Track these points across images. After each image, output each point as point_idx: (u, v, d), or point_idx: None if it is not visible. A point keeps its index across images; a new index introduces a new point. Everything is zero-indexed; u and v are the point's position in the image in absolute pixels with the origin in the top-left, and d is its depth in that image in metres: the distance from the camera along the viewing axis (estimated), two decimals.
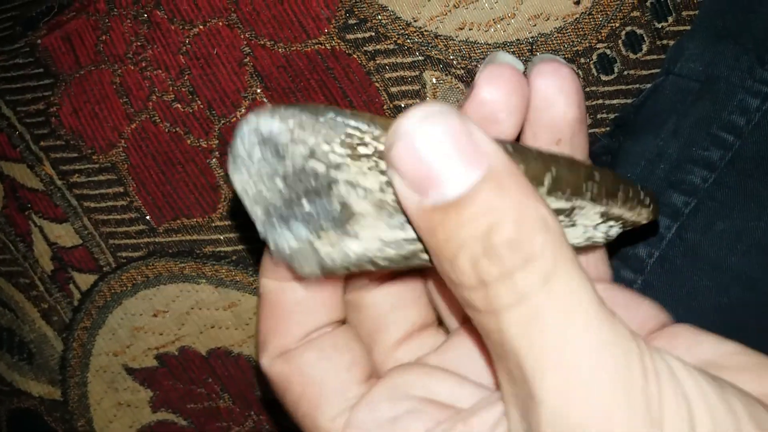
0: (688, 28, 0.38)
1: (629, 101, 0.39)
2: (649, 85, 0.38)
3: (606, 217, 0.24)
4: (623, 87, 0.39)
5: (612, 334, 0.18)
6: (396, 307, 0.26)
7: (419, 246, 0.21)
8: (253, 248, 0.43)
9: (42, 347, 0.46)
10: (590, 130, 0.40)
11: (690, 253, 0.34)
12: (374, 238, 0.21)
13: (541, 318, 0.18)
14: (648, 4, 0.38)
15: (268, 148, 0.20)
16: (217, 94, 0.42)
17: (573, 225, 0.24)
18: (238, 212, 0.43)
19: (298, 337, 0.24)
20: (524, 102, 0.24)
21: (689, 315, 0.33)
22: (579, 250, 0.25)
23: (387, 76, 0.40)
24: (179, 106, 0.42)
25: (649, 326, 0.24)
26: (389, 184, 0.20)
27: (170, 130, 0.42)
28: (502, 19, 0.39)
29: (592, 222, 0.24)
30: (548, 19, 0.39)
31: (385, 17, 0.40)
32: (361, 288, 0.26)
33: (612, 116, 0.40)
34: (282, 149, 0.20)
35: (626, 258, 0.35)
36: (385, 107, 0.41)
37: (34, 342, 0.46)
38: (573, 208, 0.23)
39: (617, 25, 0.39)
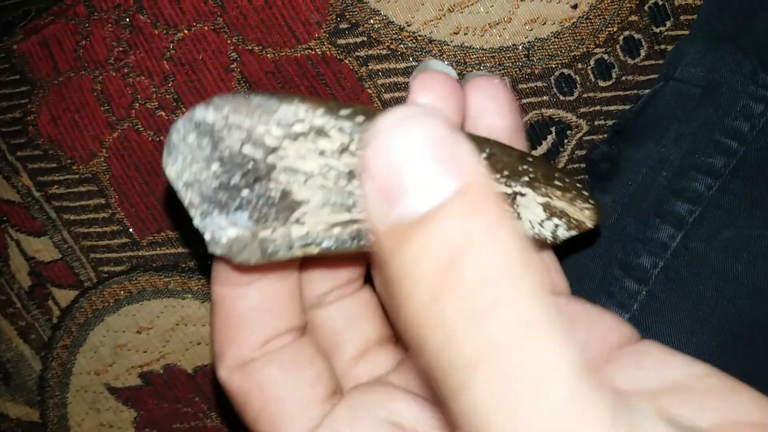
0: (687, 32, 0.37)
1: (627, 107, 0.39)
2: (647, 91, 0.38)
3: (549, 211, 0.24)
4: (621, 93, 0.39)
5: (595, 413, 0.14)
6: (350, 322, 0.25)
7: (363, 229, 0.21)
8: None
9: (19, 367, 0.44)
10: (588, 137, 0.39)
11: (695, 262, 0.33)
12: (317, 222, 0.20)
13: (513, 383, 0.14)
14: (646, 8, 0.38)
15: (203, 135, 0.19)
16: (203, 101, 0.40)
17: (518, 218, 0.24)
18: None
19: (256, 345, 0.22)
20: (460, 106, 0.23)
21: (694, 326, 0.33)
22: None
23: (380, 82, 0.39)
24: (163, 113, 0.40)
25: (611, 341, 0.23)
26: (329, 167, 0.20)
27: (154, 138, 0.41)
28: (497, 24, 0.38)
29: (537, 217, 0.24)
30: (545, 23, 0.38)
31: (378, 21, 0.38)
32: (313, 307, 0.25)
33: (610, 123, 0.39)
34: (217, 135, 0.19)
35: (630, 268, 0.34)
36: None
37: (11, 361, 0.44)
38: (514, 195, 0.23)
39: (615, 29, 0.38)
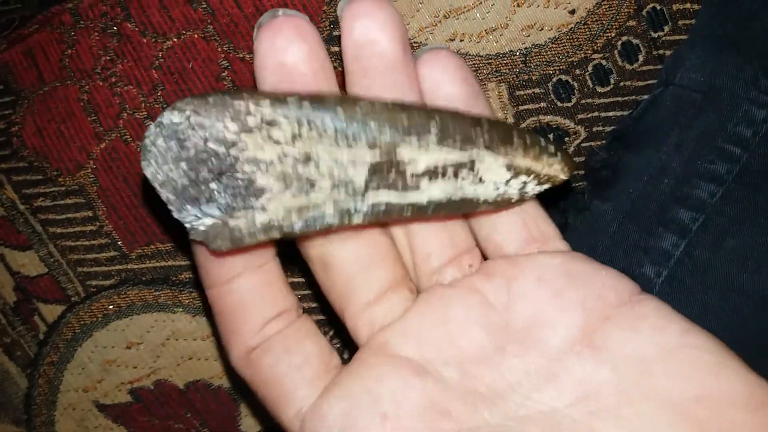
0: (685, 37, 0.37)
1: (626, 113, 0.38)
2: (645, 97, 0.37)
3: (514, 170, 0.25)
4: (620, 99, 0.38)
5: None
6: (364, 267, 0.26)
7: (325, 210, 0.23)
8: None
9: (4, 385, 0.43)
10: (586, 144, 0.39)
11: (699, 271, 0.32)
12: (279, 208, 0.22)
13: None
14: (644, 13, 0.37)
15: (170, 138, 0.22)
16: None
17: (481, 181, 0.24)
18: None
19: (253, 332, 0.25)
20: (400, 27, 0.24)
21: None
22: (491, 204, 0.26)
23: None
24: (152, 123, 0.39)
25: (609, 299, 0.23)
26: (285, 154, 0.22)
27: None
28: (494, 30, 0.37)
29: (501, 178, 0.25)
30: (542, 29, 0.37)
31: None
32: (325, 244, 0.26)
33: (608, 129, 0.39)
34: (183, 136, 0.21)
35: (633, 278, 0.33)
36: None
37: None
38: (472, 161, 0.24)
39: (613, 34, 0.37)
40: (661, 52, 0.38)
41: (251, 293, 0.24)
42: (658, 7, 0.37)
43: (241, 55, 0.39)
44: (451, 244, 0.26)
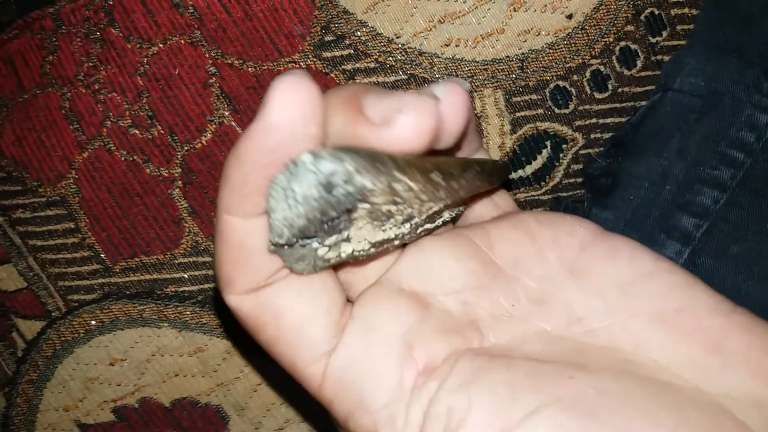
0: (683, 42, 0.36)
1: (624, 120, 0.37)
2: (644, 103, 0.36)
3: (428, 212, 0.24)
4: (618, 105, 0.37)
5: None
6: None
7: (396, 242, 0.23)
8: None
9: None
10: (585, 151, 0.38)
11: (704, 279, 0.31)
12: (362, 239, 0.22)
13: None
14: (642, 18, 0.37)
15: (316, 184, 0.20)
16: (180, 118, 0.38)
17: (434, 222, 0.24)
18: (203, 248, 0.39)
19: (268, 275, 0.22)
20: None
21: None
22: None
23: None
24: (137, 132, 0.38)
25: (579, 235, 0.25)
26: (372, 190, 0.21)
27: (127, 158, 0.38)
28: (490, 35, 0.36)
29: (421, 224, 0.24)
30: (539, 34, 0.36)
31: (365, 34, 0.37)
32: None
33: (606, 136, 0.38)
34: (331, 188, 0.20)
35: None
36: None
37: None
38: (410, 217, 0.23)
39: (611, 40, 0.37)
40: (659, 57, 0.37)
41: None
42: (657, 12, 0.37)
43: (229, 61, 0.37)
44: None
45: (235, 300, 0.22)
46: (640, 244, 0.25)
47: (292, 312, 0.22)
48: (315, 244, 0.22)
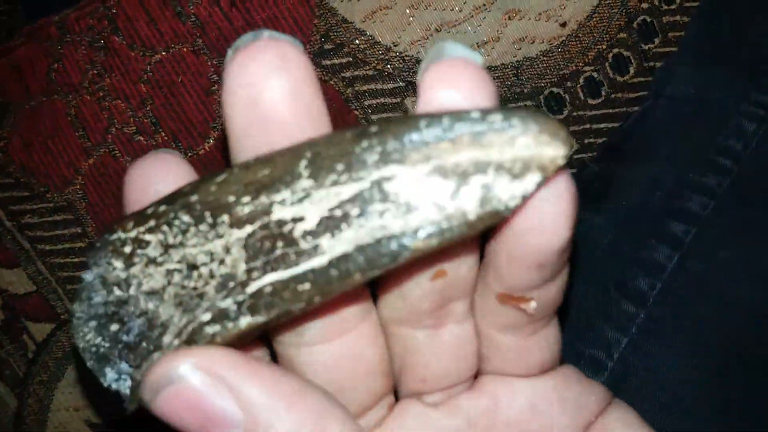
0: (675, 49, 0.37)
1: (617, 125, 0.38)
2: (636, 109, 0.37)
3: (454, 174, 0.17)
4: (611, 110, 0.38)
5: None
6: (349, 379, 0.23)
7: (202, 318, 0.19)
8: None
9: None
10: (578, 156, 0.39)
11: (693, 283, 0.32)
12: (174, 339, 0.19)
13: None
14: (635, 25, 0.37)
15: (82, 298, 0.19)
16: (183, 125, 0.39)
17: (410, 208, 0.17)
18: None
19: None
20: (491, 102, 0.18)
21: (694, 348, 0.32)
22: (454, 232, 0.17)
23: (366, 103, 0.38)
24: (141, 138, 0.39)
25: (596, 410, 0.23)
26: (168, 271, 0.18)
27: (132, 164, 0.39)
28: (486, 43, 0.37)
29: (441, 191, 0.17)
30: (533, 42, 0.37)
31: (363, 42, 0.38)
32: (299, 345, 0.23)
33: (600, 141, 0.39)
34: (89, 293, 0.19)
35: (627, 291, 0.33)
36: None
37: None
38: (377, 183, 0.17)
39: (604, 47, 0.38)
40: (651, 63, 0.38)
41: None
42: (649, 20, 0.37)
43: None
44: (456, 369, 0.22)
45: None
46: (636, 421, 0.23)
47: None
48: (125, 367, 0.19)
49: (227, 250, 0.18)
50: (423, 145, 0.17)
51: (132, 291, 0.19)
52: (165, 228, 0.18)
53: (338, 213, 0.17)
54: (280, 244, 0.18)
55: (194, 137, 0.39)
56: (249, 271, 0.18)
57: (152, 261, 0.19)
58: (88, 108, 0.39)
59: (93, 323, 0.19)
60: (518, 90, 0.38)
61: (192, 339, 0.18)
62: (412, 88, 0.38)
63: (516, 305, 0.20)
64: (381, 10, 0.37)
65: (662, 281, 0.33)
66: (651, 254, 0.33)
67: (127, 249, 0.19)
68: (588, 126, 0.39)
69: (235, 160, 0.19)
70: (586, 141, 0.39)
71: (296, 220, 0.17)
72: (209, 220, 0.18)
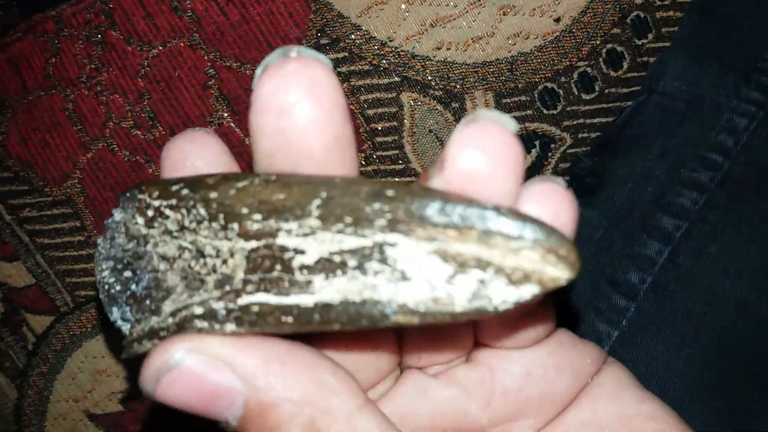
0: (669, 44, 0.38)
1: (611, 120, 0.39)
2: (630, 103, 0.38)
3: (454, 261, 0.17)
4: (604, 105, 0.39)
5: None
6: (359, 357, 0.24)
7: (194, 311, 0.19)
8: None
9: None
10: (572, 150, 0.39)
11: (683, 277, 0.33)
12: (172, 310, 0.19)
13: None
14: (628, 20, 0.38)
15: (106, 236, 0.20)
16: (180, 119, 0.39)
17: (404, 277, 0.17)
18: None
19: None
20: (518, 182, 0.17)
21: (684, 341, 0.33)
22: (434, 316, 0.18)
23: (362, 97, 0.38)
24: (139, 132, 0.39)
25: (591, 371, 0.24)
26: (182, 247, 0.19)
27: (130, 158, 0.40)
28: (480, 39, 0.38)
29: (437, 273, 0.17)
30: (528, 37, 0.38)
31: (359, 37, 0.38)
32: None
33: (593, 135, 0.39)
34: (112, 234, 0.20)
35: (618, 285, 0.34)
36: (361, 130, 0.39)
37: None
38: (380, 246, 0.17)
39: (598, 42, 0.38)
40: (645, 59, 0.38)
41: None
42: (642, 15, 0.38)
43: (227, 64, 0.38)
44: (444, 348, 0.23)
45: None
46: (629, 379, 0.23)
47: None
48: (128, 312, 0.20)
49: (232, 253, 0.18)
50: (431, 226, 0.17)
51: (148, 248, 0.20)
52: (183, 211, 0.19)
53: (337, 259, 0.18)
54: (278, 267, 0.18)
55: None
56: (245, 282, 0.18)
57: (169, 232, 0.19)
58: (85, 102, 0.39)
59: (110, 263, 0.20)
60: (512, 85, 0.38)
61: (183, 326, 0.19)
62: (407, 83, 0.38)
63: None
64: (376, 5, 0.37)
65: (653, 275, 0.33)
66: (642, 248, 0.34)
67: (150, 213, 0.20)
68: (581, 121, 0.39)
69: (256, 165, 0.19)
70: (579, 136, 0.39)
71: (298, 251, 0.18)
72: (221, 221, 0.18)
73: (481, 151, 0.17)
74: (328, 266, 0.18)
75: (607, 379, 0.23)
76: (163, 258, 0.19)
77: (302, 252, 0.18)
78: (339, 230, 0.17)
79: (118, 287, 0.20)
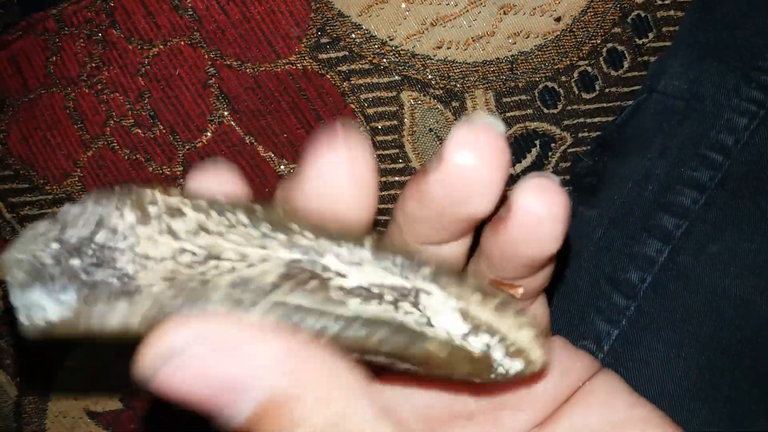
0: (669, 44, 0.37)
1: (611, 119, 0.39)
2: (630, 103, 0.38)
3: (472, 322, 0.20)
4: (605, 105, 0.39)
5: None
6: None
7: (212, 297, 0.19)
8: None
9: None
10: (572, 150, 0.39)
11: (683, 277, 0.33)
12: (151, 303, 0.19)
13: None
14: (629, 20, 0.38)
15: (55, 222, 0.19)
16: (181, 117, 0.39)
17: (429, 324, 0.20)
18: None
19: None
20: (504, 176, 0.19)
21: (684, 340, 0.33)
22: (446, 359, 0.20)
23: (363, 96, 0.38)
24: (139, 131, 0.39)
25: (581, 375, 0.24)
26: (183, 250, 0.19)
27: (130, 157, 0.40)
28: (481, 38, 0.38)
29: (456, 328, 0.20)
30: (528, 36, 0.38)
31: (360, 36, 0.38)
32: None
33: (594, 135, 0.39)
34: (70, 222, 0.19)
35: (618, 284, 0.34)
36: (361, 129, 0.39)
37: None
38: (416, 290, 0.19)
39: (598, 41, 0.38)
40: (645, 58, 0.38)
41: None
42: (643, 14, 0.38)
43: (228, 62, 0.38)
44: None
45: None
46: (621, 385, 0.23)
47: None
48: (69, 297, 0.19)
49: (263, 260, 0.19)
50: (465, 286, 0.20)
51: (120, 245, 0.19)
52: (213, 214, 0.19)
53: (376, 291, 0.19)
54: (314, 283, 0.19)
55: (192, 130, 0.39)
56: (275, 285, 0.19)
57: (170, 232, 0.19)
58: (86, 101, 0.39)
59: (54, 246, 0.19)
60: (513, 84, 0.38)
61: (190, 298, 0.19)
62: (407, 82, 0.38)
63: (506, 291, 0.22)
64: (377, 4, 0.38)
65: (653, 274, 0.33)
66: (642, 248, 0.34)
67: (152, 210, 0.19)
68: (582, 120, 0.39)
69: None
70: (579, 135, 0.39)
71: (340, 274, 0.19)
72: (263, 229, 0.19)
73: (473, 149, 0.19)
74: (365, 294, 0.19)
75: (598, 386, 0.24)
76: (141, 257, 0.19)
77: (344, 276, 0.19)
78: (386, 267, 0.19)
79: (54, 269, 0.19)
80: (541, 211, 0.19)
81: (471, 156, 0.19)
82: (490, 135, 0.19)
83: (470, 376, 0.20)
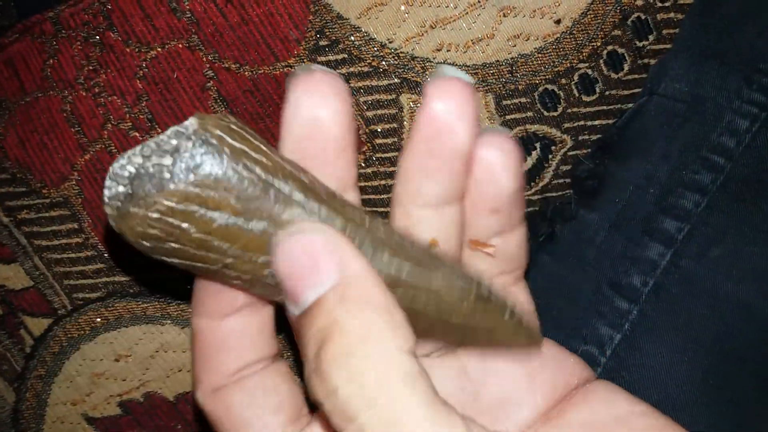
0: (670, 46, 0.37)
1: (611, 122, 0.38)
2: (631, 105, 0.38)
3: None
4: (605, 107, 0.38)
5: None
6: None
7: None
8: None
9: None
10: (572, 152, 0.39)
11: (685, 280, 0.33)
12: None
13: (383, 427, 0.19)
14: (629, 22, 0.37)
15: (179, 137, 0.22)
16: (179, 120, 0.39)
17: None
18: None
19: (228, 373, 0.25)
20: (477, 113, 0.24)
21: (687, 344, 0.33)
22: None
23: (362, 99, 0.38)
24: (137, 134, 0.39)
25: (572, 383, 0.26)
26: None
27: None
28: (480, 40, 0.37)
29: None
30: (528, 39, 0.37)
31: (358, 38, 0.38)
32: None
33: (594, 138, 0.39)
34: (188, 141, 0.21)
35: (620, 288, 0.34)
36: (360, 132, 0.39)
37: None
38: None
39: (599, 44, 0.38)
40: (646, 61, 0.38)
41: (238, 335, 0.24)
42: (643, 17, 0.37)
43: (226, 65, 0.38)
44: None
45: (201, 398, 0.25)
46: (620, 389, 0.25)
47: (242, 409, 0.24)
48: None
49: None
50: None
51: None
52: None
53: None
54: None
55: None
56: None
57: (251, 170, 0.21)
58: (83, 104, 0.39)
59: (169, 158, 0.21)
60: (513, 87, 0.38)
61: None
62: (407, 85, 0.38)
63: (481, 249, 0.26)
64: (376, 6, 0.37)
65: (655, 278, 0.33)
66: (644, 251, 0.34)
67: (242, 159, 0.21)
68: (582, 123, 0.39)
69: (285, 150, 0.23)
70: (580, 138, 0.39)
71: None
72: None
73: (447, 98, 0.23)
74: None
75: (598, 388, 0.25)
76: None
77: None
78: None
79: (166, 174, 0.21)
80: (495, 155, 0.24)
81: (444, 105, 0.23)
82: (461, 85, 0.23)
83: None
